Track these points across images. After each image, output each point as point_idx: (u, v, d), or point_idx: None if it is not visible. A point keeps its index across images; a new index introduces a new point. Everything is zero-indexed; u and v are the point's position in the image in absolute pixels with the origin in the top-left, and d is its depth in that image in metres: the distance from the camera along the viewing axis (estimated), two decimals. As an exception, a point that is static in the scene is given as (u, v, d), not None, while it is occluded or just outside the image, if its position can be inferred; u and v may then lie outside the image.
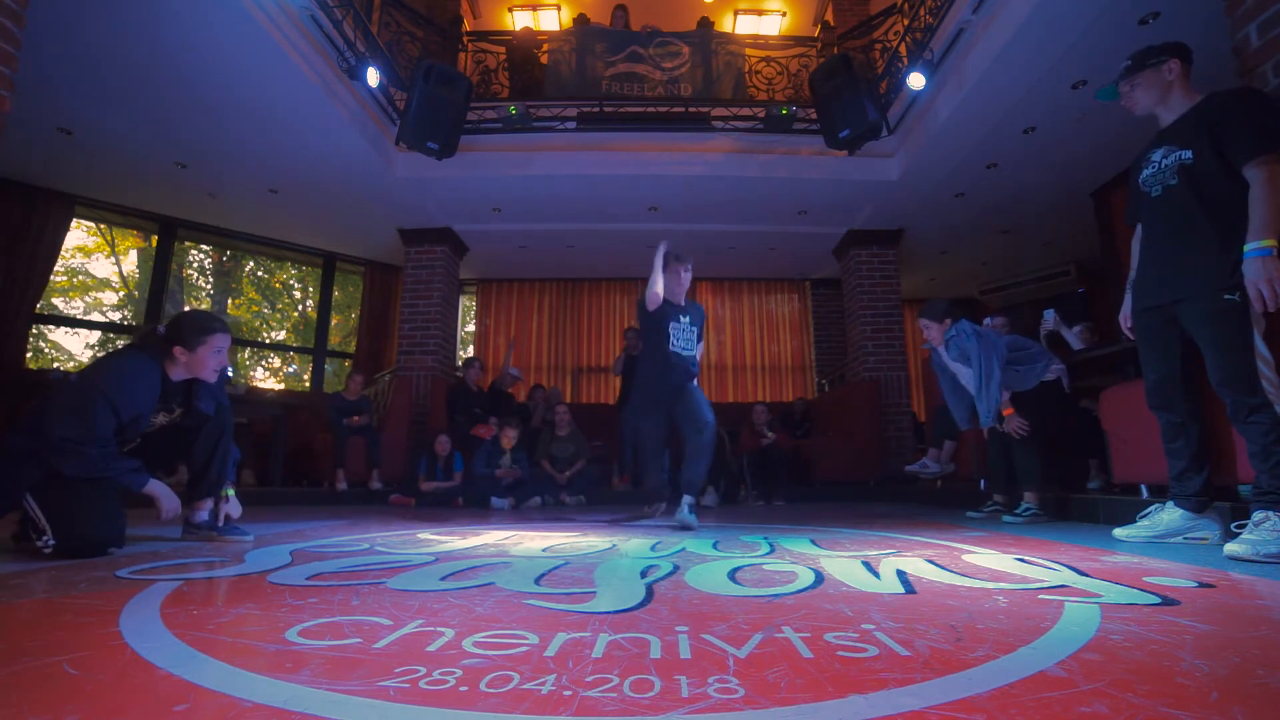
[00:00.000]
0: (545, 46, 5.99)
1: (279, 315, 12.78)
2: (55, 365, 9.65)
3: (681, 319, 3.28)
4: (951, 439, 4.22)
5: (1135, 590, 1.28)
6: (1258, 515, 1.77)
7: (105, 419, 1.90)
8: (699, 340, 3.38)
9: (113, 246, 10.98)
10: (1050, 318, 3.97)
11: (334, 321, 9.63)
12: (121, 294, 11.16)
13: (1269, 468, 1.77)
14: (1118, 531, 2.24)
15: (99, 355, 10.17)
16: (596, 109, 5.49)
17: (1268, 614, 1.10)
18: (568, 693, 0.73)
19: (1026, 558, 1.77)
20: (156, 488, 2.06)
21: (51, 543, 1.77)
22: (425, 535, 2.50)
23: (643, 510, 3.55)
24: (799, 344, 8.30)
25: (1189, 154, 1.92)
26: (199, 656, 0.87)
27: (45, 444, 1.85)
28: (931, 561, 1.72)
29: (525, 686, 0.75)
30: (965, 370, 3.34)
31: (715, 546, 2.11)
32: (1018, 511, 3.13)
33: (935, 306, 3.39)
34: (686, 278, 3.32)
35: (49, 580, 1.47)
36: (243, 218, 6.48)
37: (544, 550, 2.04)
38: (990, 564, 1.68)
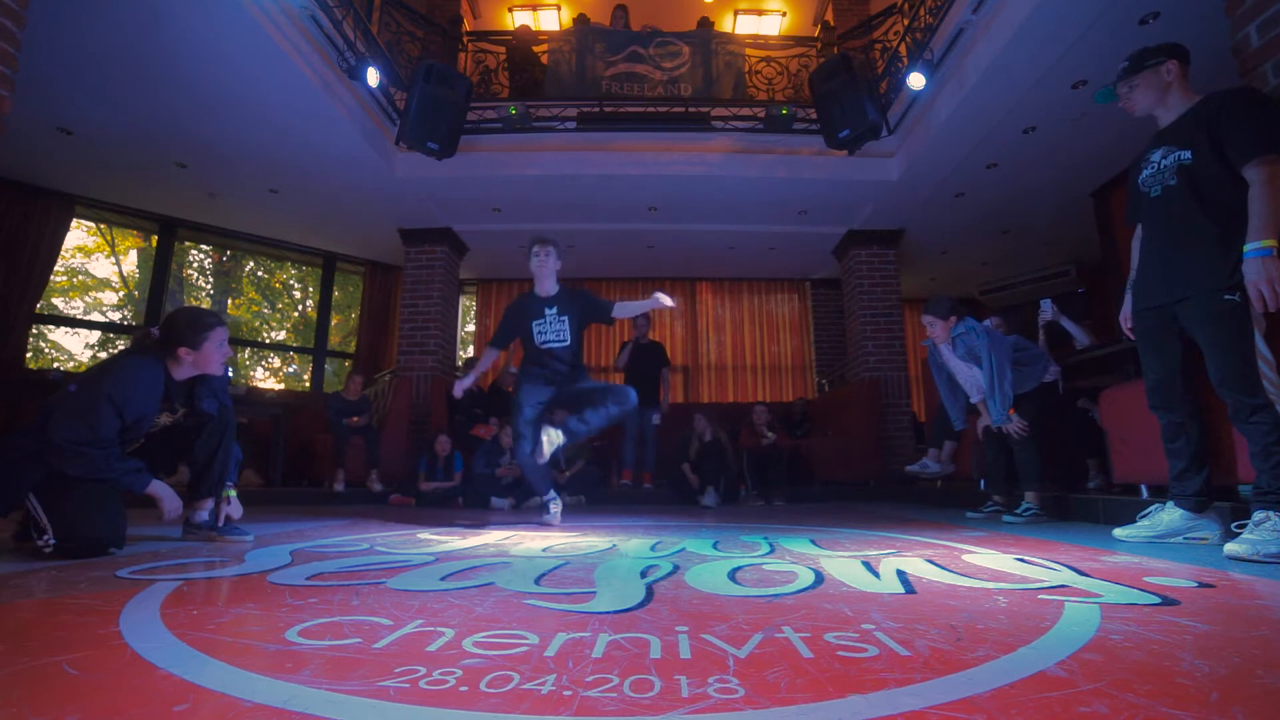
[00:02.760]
0: (545, 46, 5.99)
1: (279, 315, 12.78)
2: (55, 365, 9.65)
3: (547, 312, 3.24)
4: (952, 439, 4.22)
5: (1135, 590, 1.28)
6: (1258, 515, 1.77)
7: (109, 421, 1.90)
8: (575, 329, 3.26)
9: (113, 246, 10.98)
10: (1048, 308, 3.96)
11: (334, 321, 9.63)
12: (121, 294, 11.16)
13: (1270, 468, 1.77)
14: (1118, 531, 2.24)
15: (100, 356, 10.18)
16: (596, 109, 5.49)
17: (1268, 614, 1.10)
18: (568, 693, 0.73)
19: (1026, 558, 1.77)
20: (159, 489, 2.06)
21: (52, 542, 1.78)
22: (425, 535, 2.50)
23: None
24: (799, 344, 8.30)
25: (1188, 154, 1.93)
26: (199, 656, 0.87)
27: (48, 446, 1.85)
28: (931, 561, 1.72)
29: (525, 686, 0.75)
30: (965, 370, 3.33)
31: (715, 546, 2.11)
32: (1018, 511, 3.13)
33: (941, 303, 3.37)
34: (550, 262, 3.26)
35: (49, 580, 1.47)
36: (243, 218, 6.48)
37: (544, 550, 2.04)
38: (990, 564, 1.68)
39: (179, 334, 2.11)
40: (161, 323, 2.20)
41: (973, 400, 3.42)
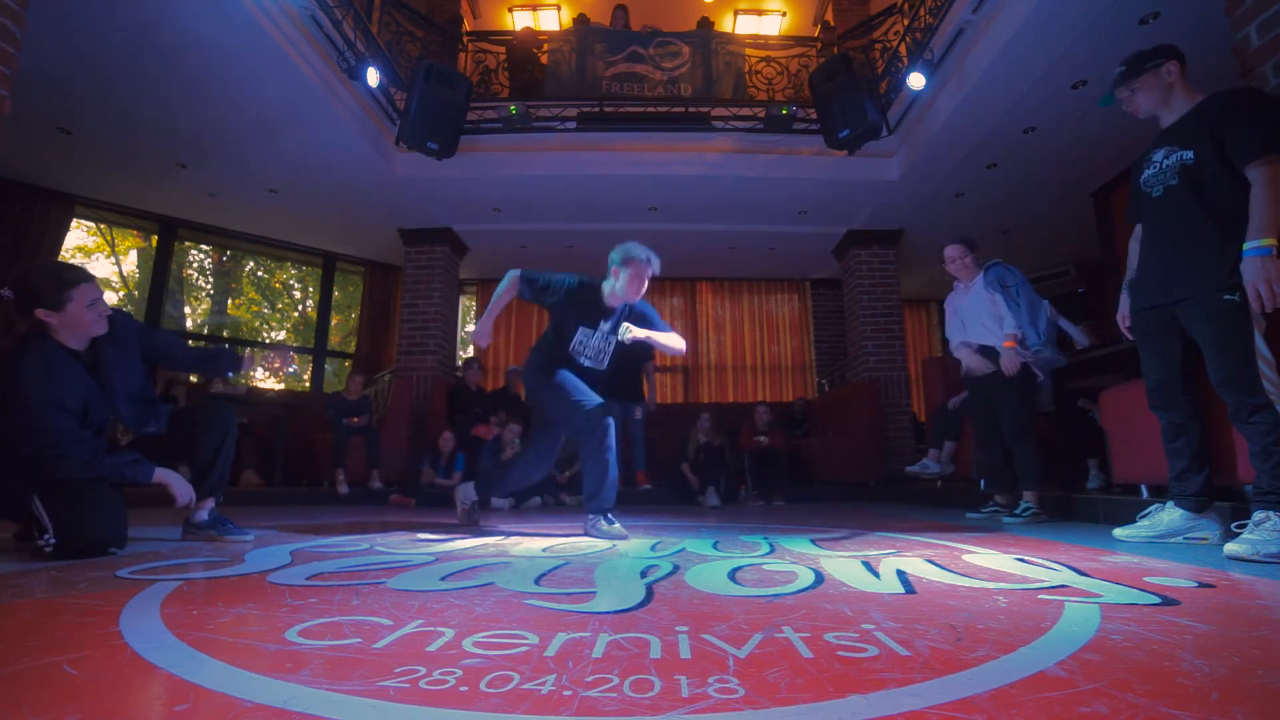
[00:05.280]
0: (545, 46, 6.00)
1: (279, 315, 12.78)
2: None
3: (602, 325, 2.73)
4: (952, 440, 4.22)
5: (1135, 590, 1.28)
6: (1258, 515, 1.77)
7: (59, 421, 1.81)
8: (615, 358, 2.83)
9: (113, 246, 10.99)
10: (1046, 309, 3.96)
11: (334, 321, 9.63)
12: (121, 294, 11.16)
13: (1270, 468, 1.77)
14: (1118, 531, 2.23)
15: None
16: (596, 109, 5.49)
17: (1268, 614, 1.10)
18: (568, 693, 0.73)
19: (1026, 558, 1.77)
20: (166, 475, 2.04)
21: (53, 541, 1.77)
22: (425, 535, 2.50)
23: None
24: (799, 344, 8.30)
25: (1190, 154, 1.92)
26: (199, 656, 0.87)
27: (31, 460, 1.81)
28: (931, 561, 1.72)
29: (525, 686, 0.75)
30: (981, 301, 3.24)
31: (715, 546, 2.11)
32: (1017, 512, 3.13)
33: (965, 236, 3.37)
34: (647, 278, 2.73)
35: (49, 580, 1.47)
36: (243, 218, 6.48)
37: (544, 550, 2.04)
38: (990, 564, 1.68)
39: (35, 296, 1.84)
40: (14, 283, 1.90)
41: (976, 339, 3.31)
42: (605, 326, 2.74)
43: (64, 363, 1.89)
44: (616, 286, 2.70)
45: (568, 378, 2.69)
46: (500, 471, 3.07)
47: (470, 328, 9.06)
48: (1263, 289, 1.69)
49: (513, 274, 2.69)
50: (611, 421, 2.66)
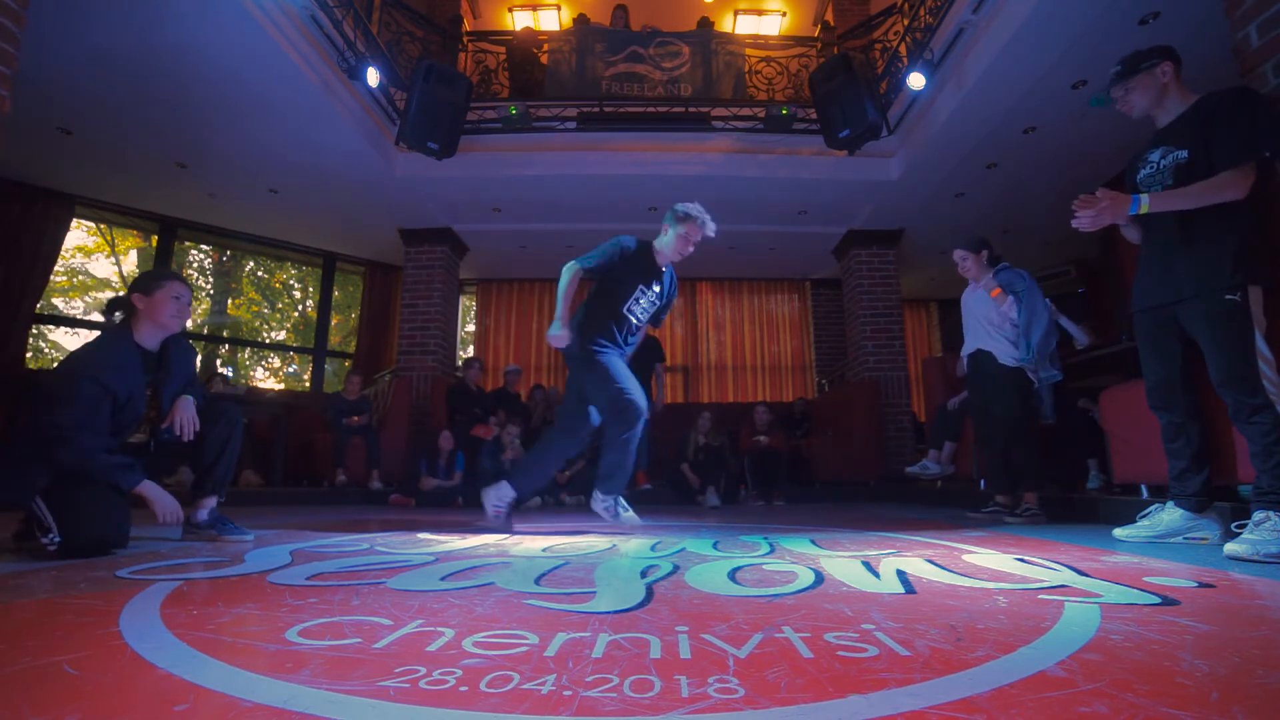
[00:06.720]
0: (545, 46, 6.00)
1: (279, 315, 12.78)
2: (55, 365, 9.63)
3: (654, 286, 2.88)
4: (952, 440, 4.22)
5: (1135, 590, 1.28)
6: (1258, 515, 1.77)
7: (91, 399, 1.87)
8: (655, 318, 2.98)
9: (113, 246, 10.98)
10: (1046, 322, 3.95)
11: (334, 321, 9.62)
12: (122, 294, 11.15)
13: (1270, 468, 1.78)
14: (1118, 531, 2.24)
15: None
16: (596, 109, 5.49)
17: (1268, 614, 1.10)
18: (568, 693, 0.73)
19: (1026, 558, 1.77)
20: (151, 489, 2.02)
21: (57, 540, 1.77)
22: (425, 535, 2.50)
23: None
24: (799, 344, 8.30)
25: (1185, 154, 1.93)
26: (199, 656, 0.87)
27: (39, 434, 1.85)
28: (931, 561, 1.72)
29: (525, 686, 0.75)
30: (982, 303, 3.22)
31: (715, 546, 2.11)
32: (1018, 512, 3.13)
33: (971, 238, 3.27)
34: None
35: (49, 580, 1.47)
36: (243, 218, 6.48)
37: (544, 550, 2.04)
38: (990, 564, 1.68)
39: (139, 283, 2.11)
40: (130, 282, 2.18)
41: (974, 341, 3.29)
42: (656, 289, 2.87)
43: (125, 351, 2.04)
44: (664, 243, 2.86)
45: (618, 365, 2.78)
46: (532, 460, 3.01)
47: (471, 327, 9.06)
48: (1093, 207, 1.96)
49: (573, 267, 2.72)
50: (644, 419, 2.77)
